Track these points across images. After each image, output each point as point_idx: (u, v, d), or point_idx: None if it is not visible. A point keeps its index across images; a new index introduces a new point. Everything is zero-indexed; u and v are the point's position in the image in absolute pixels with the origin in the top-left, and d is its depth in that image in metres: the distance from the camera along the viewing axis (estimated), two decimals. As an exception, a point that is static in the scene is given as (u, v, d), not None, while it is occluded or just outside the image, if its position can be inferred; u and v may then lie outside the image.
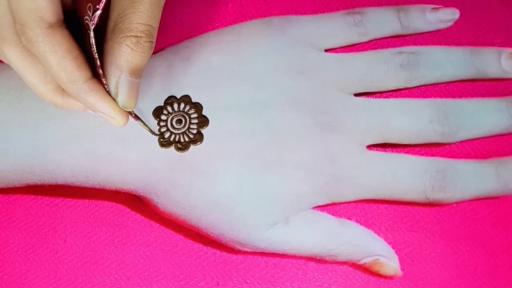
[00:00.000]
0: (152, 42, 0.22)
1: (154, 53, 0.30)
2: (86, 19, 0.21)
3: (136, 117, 0.25)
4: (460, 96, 0.31)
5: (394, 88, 0.30)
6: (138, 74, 0.22)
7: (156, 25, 0.22)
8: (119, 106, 0.23)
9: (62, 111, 0.26)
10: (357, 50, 0.30)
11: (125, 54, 0.21)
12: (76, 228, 0.30)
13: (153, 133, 0.26)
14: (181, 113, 0.27)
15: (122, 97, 0.22)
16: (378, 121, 0.28)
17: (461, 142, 0.29)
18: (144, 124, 0.25)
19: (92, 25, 0.20)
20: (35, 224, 0.30)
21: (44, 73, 0.23)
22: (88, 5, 0.20)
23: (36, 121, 0.26)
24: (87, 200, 0.30)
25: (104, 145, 0.26)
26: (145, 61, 0.22)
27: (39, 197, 0.31)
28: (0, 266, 0.30)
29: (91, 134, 0.26)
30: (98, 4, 0.20)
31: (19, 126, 0.26)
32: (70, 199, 0.30)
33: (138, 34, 0.21)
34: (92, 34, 0.20)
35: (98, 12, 0.20)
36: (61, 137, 0.26)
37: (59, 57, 0.21)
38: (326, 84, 0.28)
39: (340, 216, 0.29)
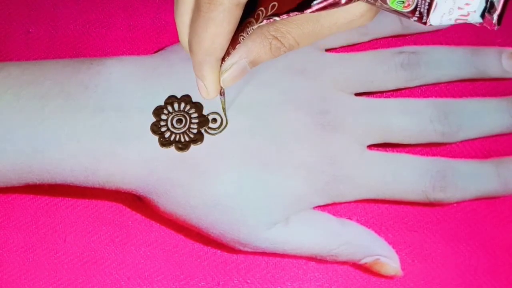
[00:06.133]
0: (285, 53, 0.23)
1: (154, 52, 0.30)
2: (261, 10, 0.21)
3: (222, 94, 0.26)
4: (460, 96, 0.31)
5: (394, 88, 0.30)
6: (255, 65, 0.23)
7: (302, 47, 0.23)
8: (218, 83, 0.23)
9: (62, 110, 0.26)
10: (358, 50, 0.30)
11: (262, 48, 0.22)
12: (76, 228, 0.30)
13: (225, 114, 0.27)
14: (182, 113, 0.27)
15: (229, 75, 0.23)
16: (378, 121, 0.28)
17: (461, 142, 0.29)
18: (224, 104, 0.26)
19: (260, 22, 0.21)
20: (34, 224, 0.30)
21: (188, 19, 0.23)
22: (273, 3, 0.21)
23: (35, 120, 0.26)
24: (87, 200, 0.30)
25: (104, 145, 0.26)
26: (268, 61, 0.23)
27: (39, 196, 0.31)
28: (-1, 266, 0.29)
29: (91, 133, 0.26)
30: (281, 15, 0.20)
31: (18, 125, 0.26)
32: (69, 199, 0.30)
33: (285, 44, 0.22)
34: (255, 27, 0.21)
35: (275, 18, 0.20)
36: (61, 136, 0.26)
37: (220, 32, 0.21)
38: (326, 84, 0.28)
39: (341, 216, 0.29)
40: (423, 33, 0.32)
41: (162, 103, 0.27)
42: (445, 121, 0.28)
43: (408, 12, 0.20)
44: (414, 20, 0.20)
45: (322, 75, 0.28)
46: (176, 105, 0.27)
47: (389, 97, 0.30)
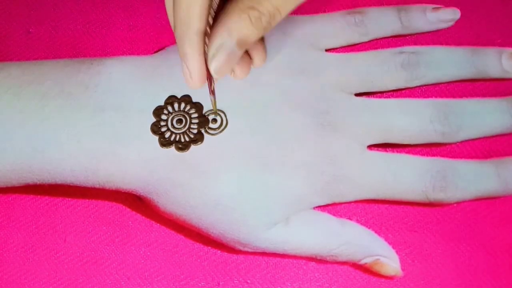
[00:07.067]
0: (271, 25, 0.21)
1: (154, 52, 0.30)
2: None
3: (213, 93, 0.24)
4: (460, 96, 0.31)
5: (394, 88, 0.30)
6: (244, 47, 0.22)
7: (284, 14, 0.22)
8: (204, 69, 0.22)
9: (62, 110, 0.26)
10: (358, 50, 0.30)
11: (242, 22, 0.21)
12: (76, 228, 0.30)
13: (215, 111, 0.26)
14: (182, 113, 0.27)
15: (217, 62, 0.22)
16: (378, 121, 0.28)
17: (461, 142, 0.29)
18: (215, 106, 0.25)
19: None
20: (34, 224, 0.30)
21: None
22: None
23: (36, 120, 0.26)
24: (87, 200, 0.30)
25: (104, 145, 0.26)
26: (256, 39, 0.22)
27: (39, 196, 0.31)
28: (-1, 266, 0.30)
29: (91, 133, 0.26)
30: None
31: (18, 125, 0.26)
32: (70, 199, 0.30)
33: (263, 12, 0.21)
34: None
35: None
36: (61, 136, 0.26)
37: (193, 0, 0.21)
38: (326, 84, 0.28)
39: (341, 216, 0.29)
40: (423, 33, 0.32)
41: (162, 103, 0.27)
42: (445, 121, 0.28)
43: None
44: None
45: (322, 75, 0.28)
46: (176, 105, 0.27)
47: (389, 97, 0.30)
